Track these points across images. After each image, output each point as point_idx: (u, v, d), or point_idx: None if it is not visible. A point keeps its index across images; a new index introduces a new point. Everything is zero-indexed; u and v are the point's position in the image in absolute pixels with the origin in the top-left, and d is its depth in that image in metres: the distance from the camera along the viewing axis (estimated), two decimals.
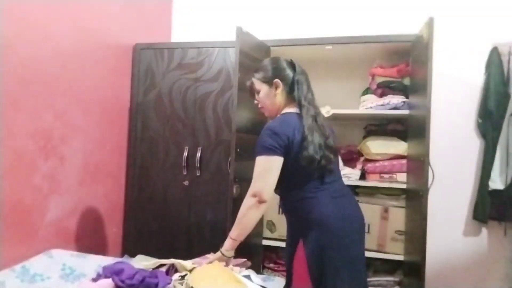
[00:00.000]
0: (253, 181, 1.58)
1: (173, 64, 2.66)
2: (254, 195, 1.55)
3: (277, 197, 2.59)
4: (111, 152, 2.59)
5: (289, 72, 1.66)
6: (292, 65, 1.69)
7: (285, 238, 2.53)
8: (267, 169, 1.55)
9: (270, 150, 1.54)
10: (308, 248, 1.58)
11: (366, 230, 2.43)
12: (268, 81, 1.67)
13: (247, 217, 1.59)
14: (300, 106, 1.62)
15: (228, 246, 1.66)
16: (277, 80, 1.65)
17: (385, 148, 2.43)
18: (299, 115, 1.60)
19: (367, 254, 2.44)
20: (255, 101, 1.75)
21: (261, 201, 1.54)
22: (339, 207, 1.59)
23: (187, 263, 1.73)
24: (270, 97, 1.68)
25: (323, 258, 1.55)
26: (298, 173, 1.58)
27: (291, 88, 1.65)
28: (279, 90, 1.65)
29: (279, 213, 2.57)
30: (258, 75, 1.69)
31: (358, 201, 2.46)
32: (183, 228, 2.63)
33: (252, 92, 1.73)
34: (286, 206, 1.72)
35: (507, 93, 2.37)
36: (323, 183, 1.59)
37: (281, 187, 1.62)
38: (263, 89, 1.68)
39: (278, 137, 1.54)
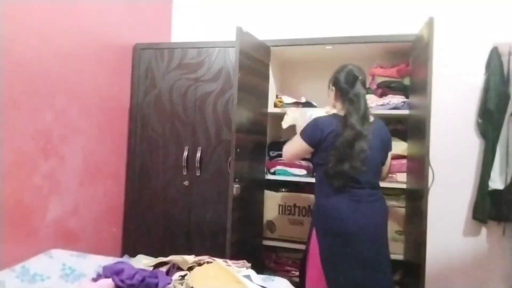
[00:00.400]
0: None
1: (173, 64, 2.66)
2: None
3: (278, 199, 2.61)
4: (111, 152, 2.59)
5: (344, 86, 1.90)
6: (354, 79, 1.88)
7: (285, 238, 2.56)
8: (294, 143, 2.00)
9: (303, 135, 1.94)
10: (319, 238, 1.88)
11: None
12: (329, 83, 2.01)
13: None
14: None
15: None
16: (332, 86, 1.98)
17: None
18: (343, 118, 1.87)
19: None
20: None
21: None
22: (354, 210, 1.82)
23: (189, 257, 1.73)
24: (328, 96, 2.04)
25: (329, 249, 1.85)
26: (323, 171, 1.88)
27: (343, 98, 1.91)
28: (332, 95, 1.99)
29: (279, 213, 2.57)
30: None
31: None
32: (183, 228, 2.63)
33: None
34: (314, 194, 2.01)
35: (507, 93, 2.37)
36: (346, 186, 1.83)
37: (315, 177, 2.02)
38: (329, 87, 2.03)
39: (314, 129, 1.90)
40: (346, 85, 1.89)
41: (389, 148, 2.00)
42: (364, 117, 1.82)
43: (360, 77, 1.88)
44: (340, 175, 1.79)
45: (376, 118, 1.95)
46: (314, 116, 2.00)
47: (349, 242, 1.81)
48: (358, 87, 1.85)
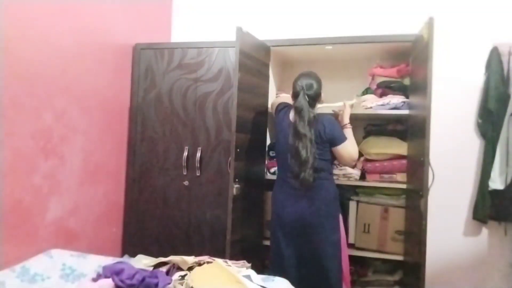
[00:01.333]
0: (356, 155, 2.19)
1: (173, 64, 2.66)
2: (355, 161, 2.22)
3: None
4: (111, 152, 2.59)
5: (294, 92, 2.14)
6: (299, 91, 2.08)
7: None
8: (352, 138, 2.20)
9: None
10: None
11: (366, 230, 2.44)
12: None
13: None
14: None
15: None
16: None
17: (385, 148, 2.43)
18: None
19: (367, 254, 2.45)
20: None
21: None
22: (289, 198, 2.12)
23: (189, 258, 1.73)
24: None
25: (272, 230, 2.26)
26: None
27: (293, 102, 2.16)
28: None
29: None
30: None
31: (358, 201, 2.48)
32: (183, 228, 2.63)
33: None
34: None
35: (507, 93, 2.37)
36: (286, 177, 2.13)
37: None
38: None
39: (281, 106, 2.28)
40: (294, 92, 2.10)
41: (331, 140, 2.10)
42: (309, 122, 2.03)
43: (305, 91, 2.06)
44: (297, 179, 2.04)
45: (320, 117, 2.11)
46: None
47: (282, 226, 2.14)
48: (300, 99, 2.05)
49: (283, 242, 2.14)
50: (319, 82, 2.12)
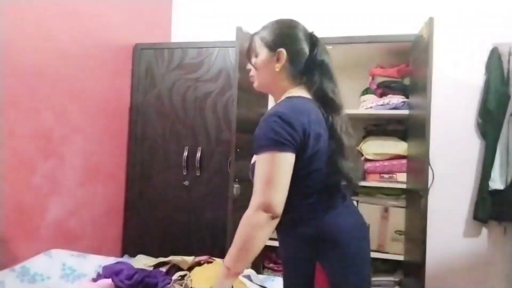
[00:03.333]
0: (258, 188, 1.11)
1: (173, 64, 2.66)
2: (265, 210, 1.08)
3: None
4: (111, 152, 2.59)
5: (304, 46, 1.28)
6: (312, 38, 1.32)
7: None
8: (277, 170, 1.09)
9: (280, 145, 1.09)
10: (329, 270, 1.23)
11: None
12: (271, 46, 1.25)
13: (255, 240, 1.10)
14: (322, 96, 1.25)
15: (223, 276, 1.16)
16: (281, 50, 1.23)
17: (385, 148, 2.43)
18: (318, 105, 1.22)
19: None
20: (248, 66, 1.32)
21: (274, 217, 1.09)
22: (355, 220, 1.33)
23: (189, 258, 1.73)
24: (268, 68, 1.25)
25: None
26: (311, 180, 1.17)
27: (304, 68, 1.27)
28: (281, 64, 1.23)
29: None
30: (261, 34, 1.28)
31: (358, 201, 2.48)
32: (183, 228, 2.63)
33: (249, 53, 1.30)
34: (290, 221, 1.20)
35: (507, 93, 2.37)
36: (344, 196, 1.25)
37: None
38: (261, 53, 1.26)
39: (291, 128, 1.09)
40: (306, 47, 1.29)
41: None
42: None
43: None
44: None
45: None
46: None
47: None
48: (321, 47, 1.30)
49: None
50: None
